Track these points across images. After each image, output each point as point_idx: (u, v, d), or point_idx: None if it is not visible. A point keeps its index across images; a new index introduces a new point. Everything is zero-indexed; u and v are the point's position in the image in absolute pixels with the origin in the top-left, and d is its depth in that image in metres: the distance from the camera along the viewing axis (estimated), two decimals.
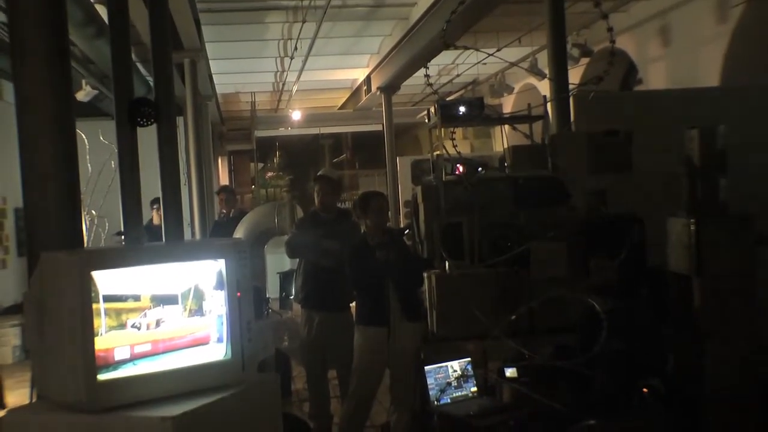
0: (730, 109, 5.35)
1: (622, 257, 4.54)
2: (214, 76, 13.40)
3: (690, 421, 4.29)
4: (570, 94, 6.13)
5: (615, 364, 4.23)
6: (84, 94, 9.84)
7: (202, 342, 2.73)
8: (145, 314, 2.58)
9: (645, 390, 4.08)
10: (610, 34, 4.38)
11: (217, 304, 2.76)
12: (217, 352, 2.76)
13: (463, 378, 4.78)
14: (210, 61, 12.23)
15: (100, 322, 2.47)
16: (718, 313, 4.48)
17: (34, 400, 2.75)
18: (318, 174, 6.27)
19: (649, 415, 4.10)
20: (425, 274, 5.33)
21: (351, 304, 5.77)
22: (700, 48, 9.19)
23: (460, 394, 4.72)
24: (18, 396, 6.63)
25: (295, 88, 15.91)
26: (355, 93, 17.27)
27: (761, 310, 4.52)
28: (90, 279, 2.45)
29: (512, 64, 10.88)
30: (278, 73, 15.15)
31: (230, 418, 2.67)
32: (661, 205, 4.88)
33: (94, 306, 2.46)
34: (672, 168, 4.78)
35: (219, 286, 2.76)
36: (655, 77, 10.36)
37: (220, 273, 2.76)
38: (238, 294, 2.79)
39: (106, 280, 2.49)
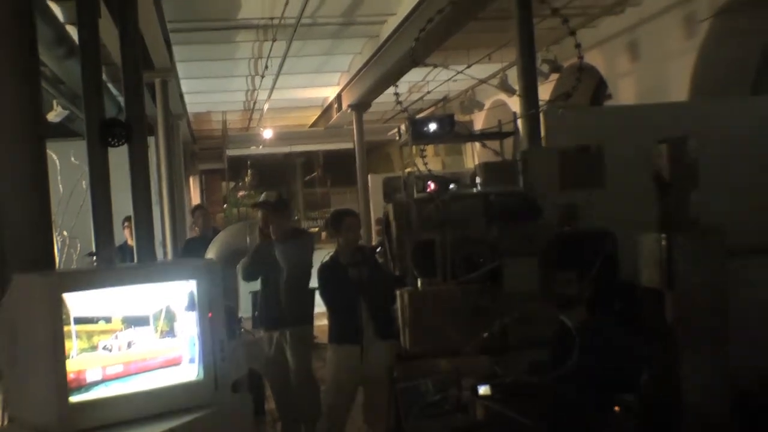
0: (700, 123, 5.41)
1: (594, 272, 4.56)
2: (185, 95, 13.36)
3: None
4: (539, 110, 6.17)
5: (588, 380, 4.24)
6: (55, 114, 9.74)
7: (174, 363, 2.71)
8: (117, 336, 2.56)
9: (617, 408, 4.09)
10: (578, 50, 4.42)
11: (189, 324, 2.74)
12: (189, 372, 2.74)
13: (436, 396, 4.76)
14: (181, 81, 12.20)
15: (72, 345, 2.45)
16: (691, 328, 4.52)
17: (5, 423, 2.70)
18: (256, 202, 6.24)
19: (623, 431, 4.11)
20: (398, 292, 5.33)
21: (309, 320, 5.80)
22: (668, 63, 9.31)
23: (433, 411, 4.70)
24: None
25: (266, 107, 15.90)
26: (326, 111, 17.28)
27: (733, 323, 4.57)
28: (61, 301, 2.42)
29: (482, 81, 10.96)
30: (249, 92, 15.13)
31: None
32: (633, 220, 4.93)
33: (66, 328, 2.43)
34: (643, 182, 4.83)
35: (191, 306, 2.75)
36: (625, 92, 10.47)
37: (191, 294, 2.74)
38: (210, 314, 2.78)
39: (77, 302, 2.47)
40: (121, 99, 5.74)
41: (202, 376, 2.75)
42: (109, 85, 9.81)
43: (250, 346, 8.15)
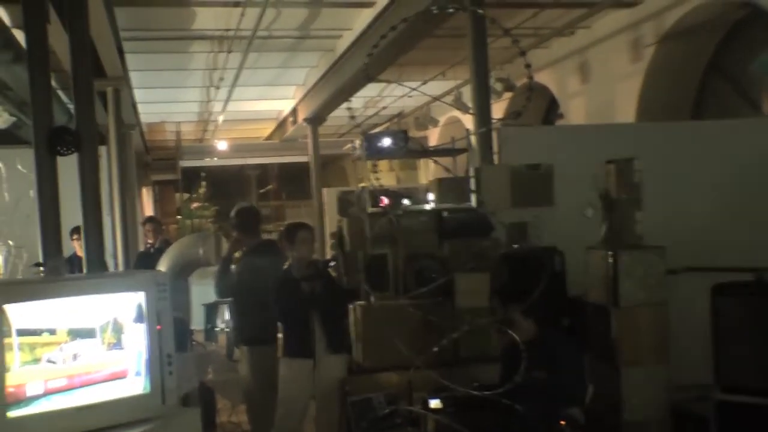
0: (645, 145, 5.53)
1: (542, 288, 4.62)
2: (138, 104, 13.21)
3: None
4: (491, 128, 6.25)
5: (536, 394, 4.29)
6: (1, 121, 9.56)
7: (120, 376, 2.68)
8: (62, 348, 2.53)
9: (563, 422, 4.14)
10: (528, 70, 4.51)
11: (137, 337, 2.71)
12: (135, 386, 2.71)
13: (387, 409, 4.77)
14: (134, 90, 12.07)
15: (13, 357, 2.40)
16: (633, 343, 4.61)
17: None
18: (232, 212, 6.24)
19: None
20: (350, 306, 5.33)
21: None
22: (616, 85, 9.51)
23: (384, 425, 4.70)
24: None
25: (221, 119, 15.81)
26: (282, 124, 17.25)
27: (674, 338, 4.68)
28: (2, 312, 2.38)
29: (436, 98, 11.04)
30: (204, 103, 15.04)
31: None
32: (581, 238, 5.02)
33: (6, 341, 2.39)
34: (591, 201, 4.94)
35: (138, 318, 2.72)
36: (575, 112, 10.65)
37: (139, 306, 2.72)
38: (158, 327, 2.75)
39: (20, 314, 2.43)
40: (71, 107, 5.67)
41: (149, 389, 2.73)
42: (59, 93, 9.67)
43: (202, 359, 8.08)
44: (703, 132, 6.59)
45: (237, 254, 6.17)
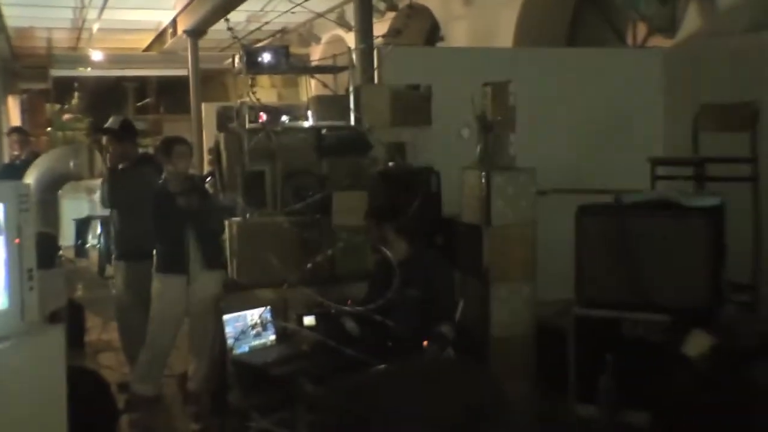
0: (520, 70, 5.65)
1: (416, 206, 4.71)
2: (3, 6, 12.39)
3: (476, 361, 4.57)
4: (372, 45, 6.22)
5: (408, 311, 4.41)
6: None
7: None
8: None
9: (425, 343, 4.28)
10: None
11: None
12: None
13: (262, 326, 4.79)
14: None
15: None
16: (503, 261, 4.79)
17: None
18: (103, 127, 6.00)
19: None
20: (226, 222, 5.29)
21: None
22: (497, 10, 9.58)
23: (258, 342, 4.73)
24: None
25: (96, 27, 15.05)
26: (161, 36, 16.60)
27: (541, 257, 4.89)
28: None
29: (320, 15, 10.86)
30: (78, 9, 14.25)
31: (7, 369, 2.55)
32: (457, 158, 5.12)
33: None
34: (467, 122, 5.02)
35: None
36: (457, 35, 10.69)
37: None
38: (17, 240, 2.65)
39: None
40: None
41: (6, 304, 2.64)
42: None
43: (71, 275, 7.86)
44: (574, 59, 6.79)
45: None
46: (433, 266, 4.62)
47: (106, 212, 6.40)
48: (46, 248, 6.02)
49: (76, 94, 21.81)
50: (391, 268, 4.36)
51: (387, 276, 4.41)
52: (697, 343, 4.06)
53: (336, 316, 4.42)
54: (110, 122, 6.02)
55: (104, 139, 5.79)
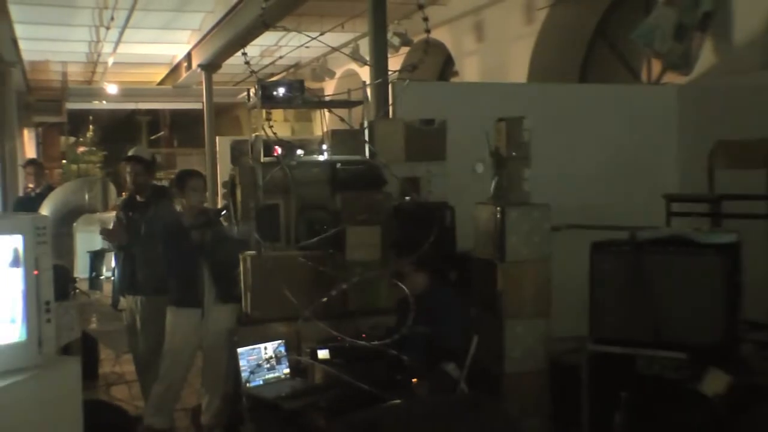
0: (534, 105, 5.67)
1: (431, 241, 4.70)
2: (20, 40, 12.56)
3: (491, 397, 4.53)
4: (387, 80, 6.26)
5: (418, 347, 4.38)
6: None
7: None
8: None
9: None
10: (426, 23, 4.50)
11: (12, 282, 2.61)
12: (11, 333, 2.62)
13: (275, 360, 4.78)
14: (15, 25, 11.45)
15: None
16: (517, 297, 4.77)
17: None
18: (128, 154, 6.01)
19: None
20: (240, 256, 5.29)
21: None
22: (509, 45, 9.66)
23: (272, 375, 4.72)
24: None
25: (111, 61, 15.22)
26: (175, 69, 16.79)
27: (556, 293, 4.87)
28: None
29: (334, 49, 10.96)
30: (93, 44, 14.44)
31: (25, 401, 2.55)
32: (471, 194, 5.13)
33: None
34: (482, 157, 5.03)
35: (14, 263, 2.62)
36: (470, 70, 10.77)
37: (15, 250, 2.62)
38: (36, 272, 2.66)
39: None
40: None
41: (24, 337, 2.64)
42: None
43: (85, 308, 7.86)
44: (587, 95, 6.81)
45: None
46: (444, 305, 4.60)
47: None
48: (60, 280, 6.04)
49: (90, 127, 22.01)
50: (408, 302, 4.35)
51: (405, 310, 4.39)
52: (713, 382, 4.01)
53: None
54: (136, 151, 6.05)
55: (128, 168, 5.79)
